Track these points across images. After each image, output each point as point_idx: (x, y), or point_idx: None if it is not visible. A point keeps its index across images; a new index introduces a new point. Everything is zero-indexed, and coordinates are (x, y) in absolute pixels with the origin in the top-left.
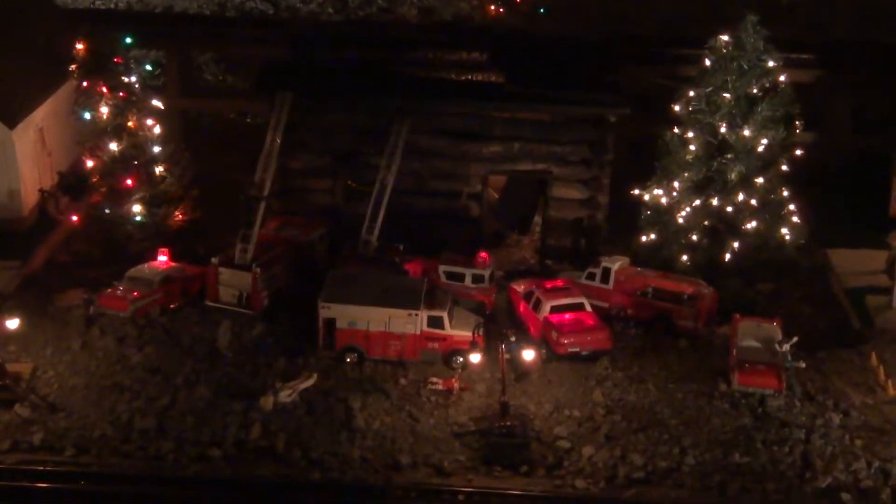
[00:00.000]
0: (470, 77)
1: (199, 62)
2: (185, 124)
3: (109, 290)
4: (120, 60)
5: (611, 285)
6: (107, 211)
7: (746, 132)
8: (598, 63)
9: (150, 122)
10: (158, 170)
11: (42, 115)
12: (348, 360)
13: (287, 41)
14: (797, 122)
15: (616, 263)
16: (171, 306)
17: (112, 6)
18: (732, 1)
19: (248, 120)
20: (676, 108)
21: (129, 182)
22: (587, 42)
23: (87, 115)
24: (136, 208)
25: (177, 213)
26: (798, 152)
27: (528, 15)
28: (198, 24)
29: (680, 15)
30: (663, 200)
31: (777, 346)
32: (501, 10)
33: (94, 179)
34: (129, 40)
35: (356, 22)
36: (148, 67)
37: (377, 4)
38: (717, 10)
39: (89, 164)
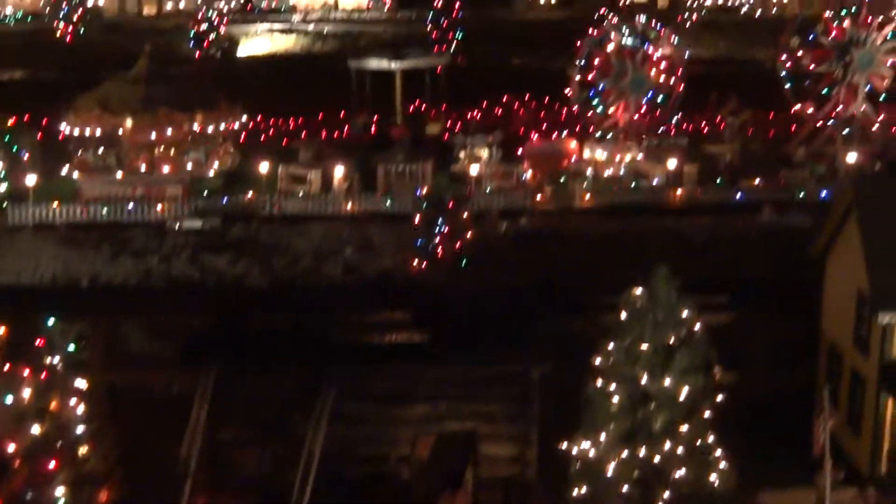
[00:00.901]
0: (395, 337)
1: (125, 332)
2: (111, 398)
3: None
4: (43, 342)
5: None
6: (28, 496)
7: (667, 382)
8: (521, 315)
9: (73, 401)
10: (82, 450)
11: None
12: None
13: (213, 307)
14: (716, 368)
15: None
16: None
17: (36, 281)
18: (645, 247)
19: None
20: (597, 360)
21: (51, 465)
22: (509, 294)
23: (9, 399)
24: (60, 491)
25: (102, 493)
26: (720, 397)
27: (450, 269)
28: (123, 295)
29: (600, 263)
30: (591, 453)
31: None
32: (424, 264)
33: (15, 464)
34: (52, 320)
35: (283, 284)
36: (71, 347)
37: (302, 266)
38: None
39: (10, 447)
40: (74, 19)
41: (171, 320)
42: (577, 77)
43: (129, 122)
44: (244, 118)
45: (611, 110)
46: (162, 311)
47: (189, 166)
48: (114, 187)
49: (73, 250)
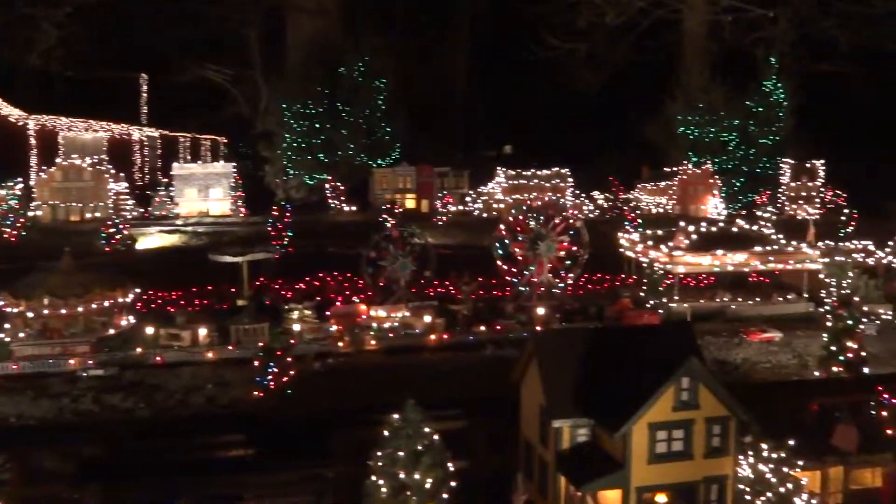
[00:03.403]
0: (236, 452)
1: (39, 457)
2: None
3: None
4: None
5: None
6: None
7: (417, 476)
8: (325, 429)
9: None
10: None
11: None
12: None
13: (108, 435)
14: (450, 465)
15: None
16: None
17: None
18: (412, 375)
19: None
20: (371, 462)
21: None
22: (318, 414)
23: None
24: None
25: None
26: (453, 483)
27: (279, 398)
28: (41, 428)
29: (381, 388)
30: None
31: None
32: (262, 393)
33: None
34: None
35: (162, 414)
36: None
37: (175, 399)
38: (404, 382)
39: None
40: (18, 225)
41: (77, 447)
42: (366, 262)
43: (50, 300)
44: (138, 292)
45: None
46: (70, 439)
47: (96, 330)
48: (38, 348)
49: (3, 396)
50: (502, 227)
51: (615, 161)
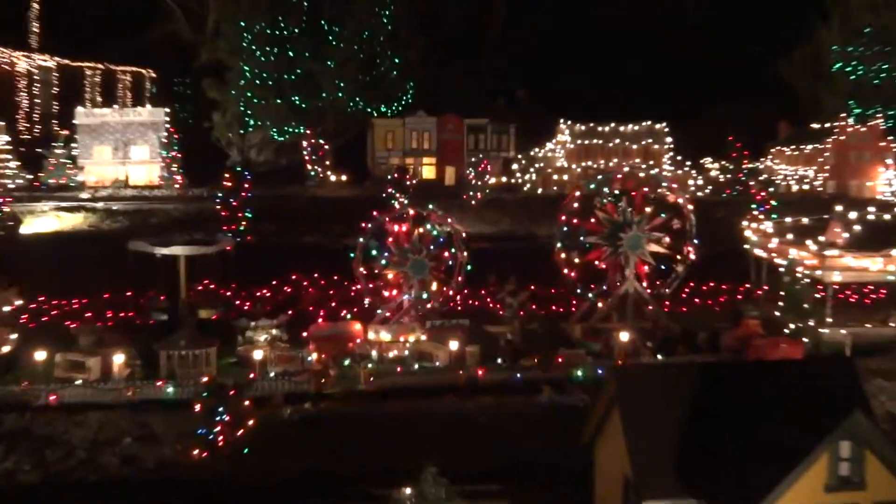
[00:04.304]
0: None
1: None
2: None
3: None
4: None
5: None
6: None
7: None
8: None
9: None
10: None
11: None
12: None
13: None
14: None
15: None
16: None
17: None
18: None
19: None
20: None
21: None
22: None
23: None
24: None
25: None
26: None
27: (232, 456)
28: None
29: (382, 447)
30: None
31: None
32: (206, 453)
33: None
34: None
35: (56, 479)
36: None
37: (77, 457)
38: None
39: None
40: None
41: None
42: (362, 258)
43: None
44: (20, 301)
45: (394, 292)
46: None
47: None
48: None
49: None
50: (568, 209)
51: (737, 114)
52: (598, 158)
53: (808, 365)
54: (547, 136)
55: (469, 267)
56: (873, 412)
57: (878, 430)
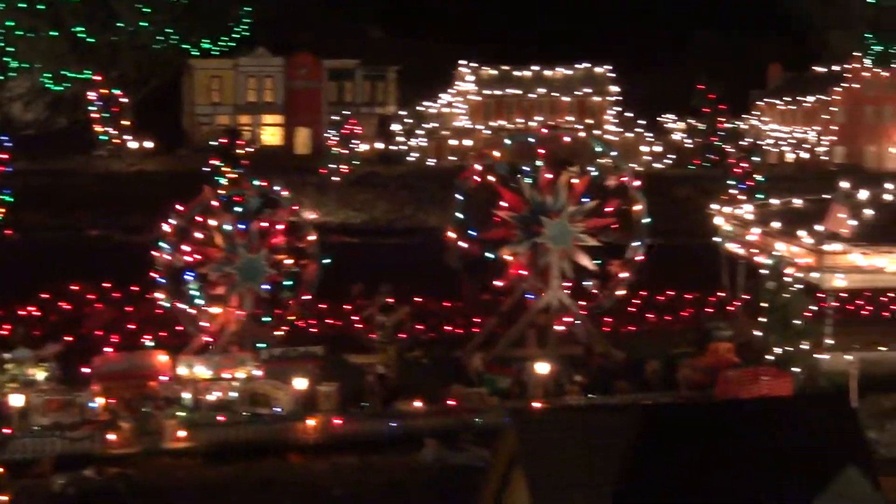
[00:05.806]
0: None
1: None
2: None
3: None
4: None
5: None
6: None
7: None
8: None
9: None
10: None
11: None
12: None
13: None
14: None
15: None
16: None
17: None
18: None
19: None
20: None
21: None
22: None
23: None
24: None
25: None
26: None
27: None
28: None
29: None
30: None
31: None
32: None
33: None
34: None
35: None
36: None
37: None
38: None
39: None
40: None
41: None
42: (168, 259)
43: None
44: None
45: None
46: None
47: None
48: None
49: None
50: (463, 186)
51: (711, 53)
52: (514, 116)
53: (798, 406)
54: (442, 84)
55: (326, 262)
56: (874, 468)
57: (880, 493)
